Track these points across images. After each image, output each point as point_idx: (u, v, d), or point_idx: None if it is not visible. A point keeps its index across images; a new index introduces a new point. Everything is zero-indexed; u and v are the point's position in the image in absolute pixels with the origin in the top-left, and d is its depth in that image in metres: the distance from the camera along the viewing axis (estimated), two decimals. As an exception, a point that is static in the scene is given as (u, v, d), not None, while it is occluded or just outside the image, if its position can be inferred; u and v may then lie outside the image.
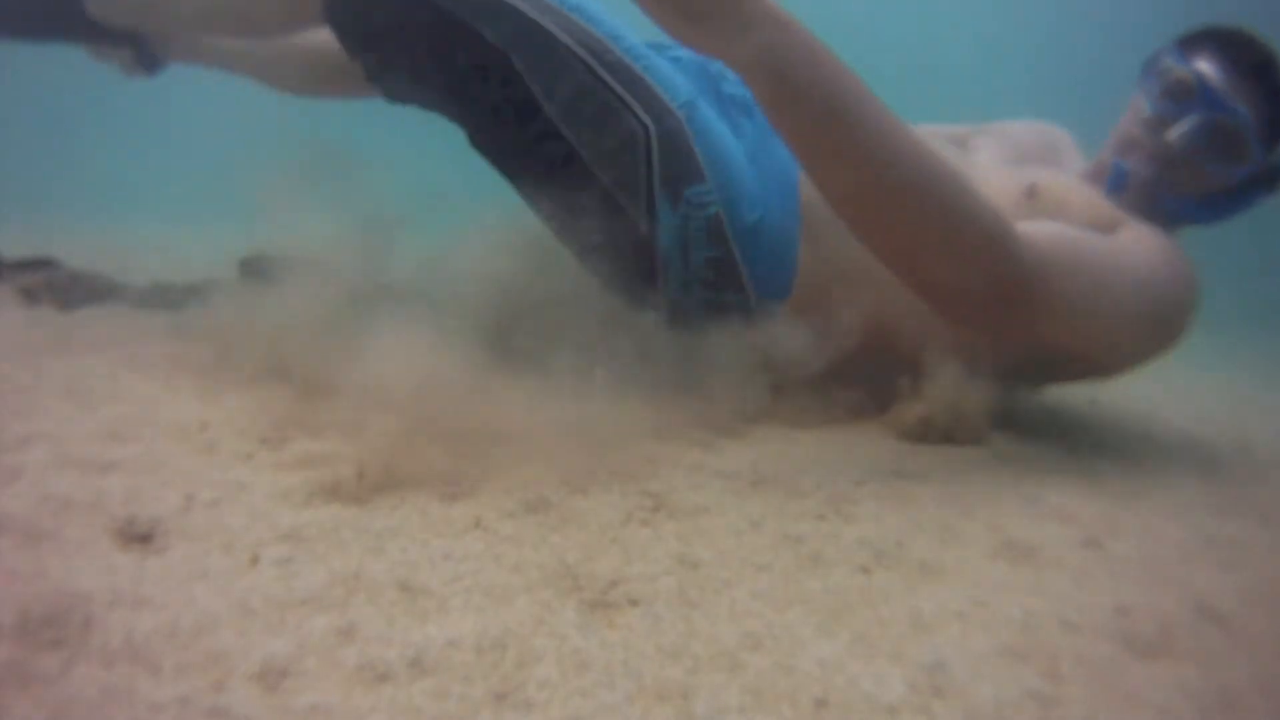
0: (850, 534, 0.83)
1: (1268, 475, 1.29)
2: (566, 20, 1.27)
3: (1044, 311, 1.12)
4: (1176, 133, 1.25)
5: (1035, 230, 1.13)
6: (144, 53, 1.83)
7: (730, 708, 0.54)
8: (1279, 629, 0.72)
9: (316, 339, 1.35)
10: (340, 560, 0.69)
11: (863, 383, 1.31)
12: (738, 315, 1.29)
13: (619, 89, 1.25)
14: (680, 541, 0.79)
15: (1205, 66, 1.26)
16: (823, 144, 1.00)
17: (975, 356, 1.23)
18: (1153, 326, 1.22)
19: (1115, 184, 1.32)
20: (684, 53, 1.37)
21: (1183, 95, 1.26)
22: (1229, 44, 1.27)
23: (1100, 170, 1.36)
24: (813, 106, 0.98)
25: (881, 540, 0.82)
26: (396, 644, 0.58)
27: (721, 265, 1.28)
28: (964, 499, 0.97)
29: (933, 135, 1.59)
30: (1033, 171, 1.37)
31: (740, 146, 1.33)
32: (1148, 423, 1.65)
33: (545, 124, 1.26)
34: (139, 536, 0.69)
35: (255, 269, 1.71)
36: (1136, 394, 1.94)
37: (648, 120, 1.25)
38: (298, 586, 0.64)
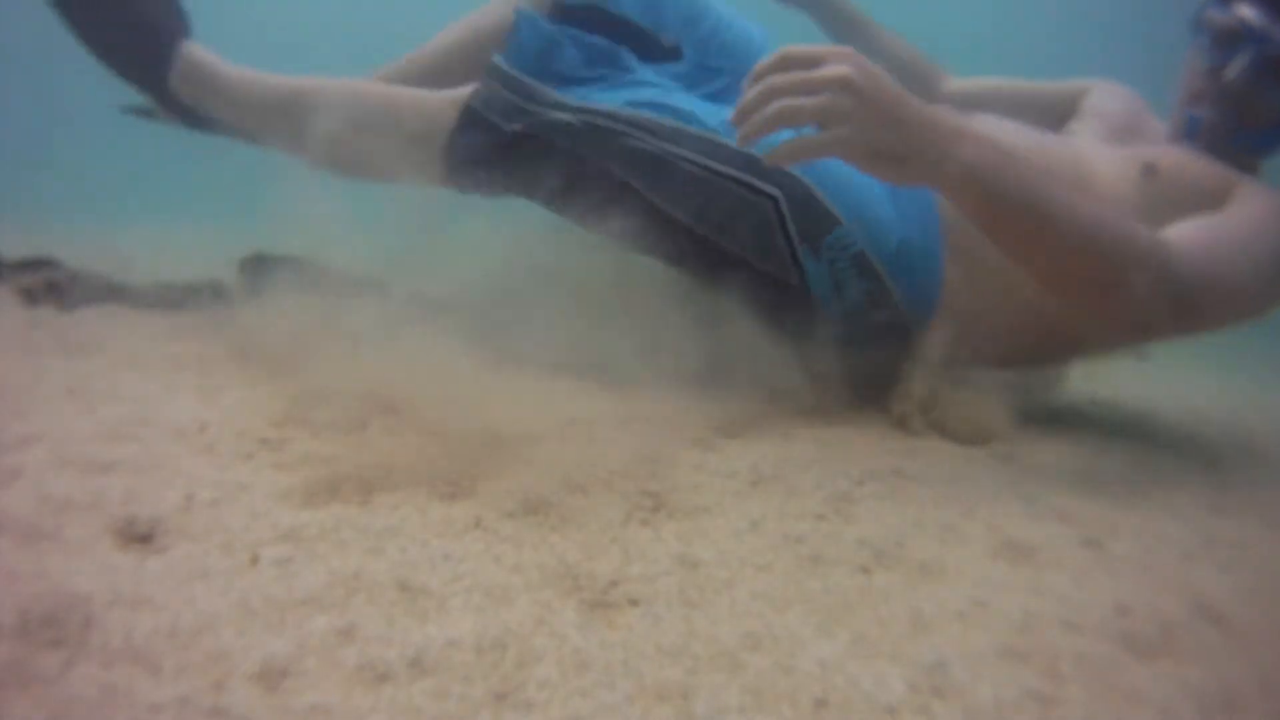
0: (850, 534, 0.83)
1: (1268, 475, 1.30)
2: (674, 132, 1.31)
3: (1206, 308, 1.23)
4: (1233, 72, 1.36)
5: (1182, 241, 1.21)
6: None
7: (730, 708, 0.54)
8: (1279, 629, 0.73)
9: (318, 339, 1.35)
10: (340, 560, 0.69)
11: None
12: (894, 331, 1.35)
13: (739, 174, 1.28)
14: (680, 541, 0.79)
15: (1245, 10, 1.36)
16: (1023, 232, 1.09)
17: (1108, 342, 1.41)
18: None
19: (1190, 130, 1.44)
20: None
21: (1231, 39, 1.37)
22: None
23: (1179, 129, 1.47)
24: (1012, 206, 1.06)
25: (881, 540, 0.82)
26: (396, 644, 0.58)
27: (875, 294, 1.33)
28: (964, 499, 0.97)
29: (1022, 97, 1.73)
30: (1140, 149, 1.46)
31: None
32: (1148, 423, 1.65)
33: (681, 228, 1.31)
34: (139, 536, 0.69)
35: (256, 269, 1.71)
36: (1136, 394, 1.94)
37: (773, 190, 1.28)
38: (298, 586, 0.64)
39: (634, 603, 0.67)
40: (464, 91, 1.43)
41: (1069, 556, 0.83)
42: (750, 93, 1.01)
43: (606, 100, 1.37)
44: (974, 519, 0.91)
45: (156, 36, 1.60)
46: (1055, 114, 1.69)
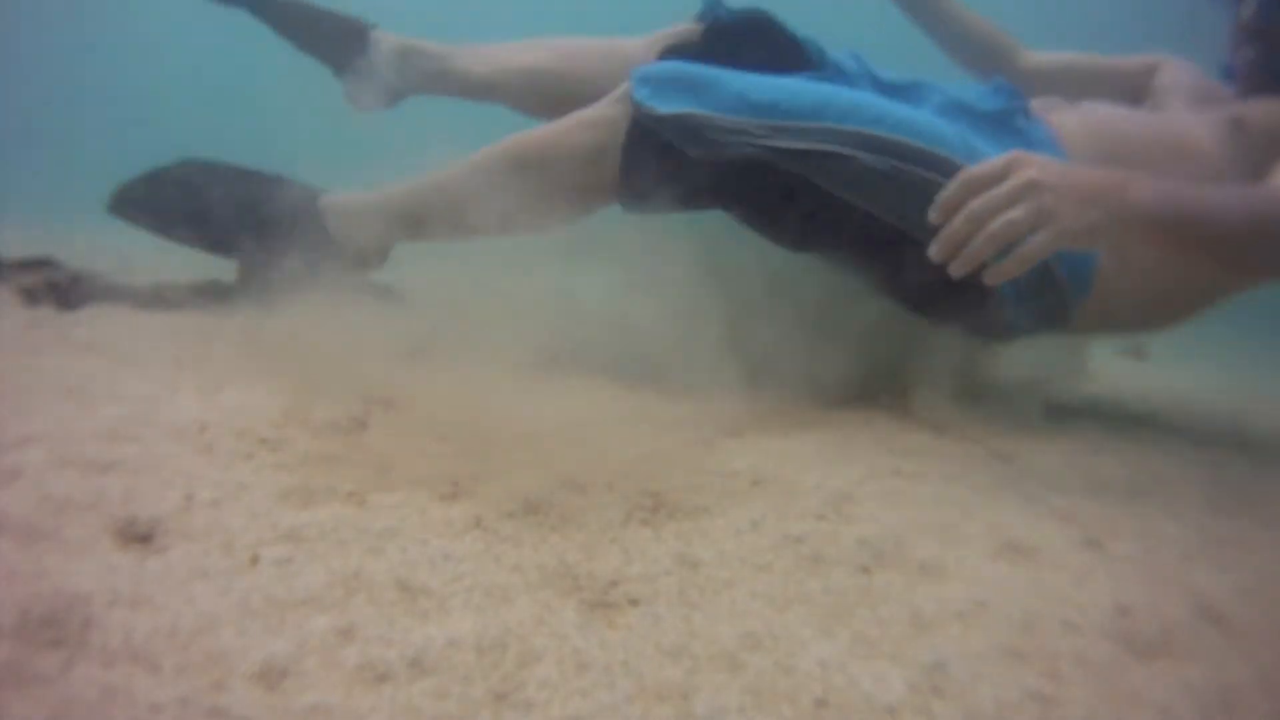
0: (850, 534, 0.83)
1: (1268, 475, 1.30)
2: (864, 138, 1.31)
3: None
4: (1246, 12, 1.52)
5: None
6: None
7: (730, 708, 0.55)
8: (1279, 629, 0.73)
9: (318, 338, 1.35)
10: (340, 560, 0.69)
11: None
12: (1056, 313, 1.42)
13: (925, 174, 1.30)
14: (680, 541, 0.79)
15: None
16: (1198, 240, 1.17)
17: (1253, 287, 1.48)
18: None
19: (1226, 75, 1.61)
20: (940, 96, 1.50)
21: None
22: None
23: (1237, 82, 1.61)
24: (1186, 222, 1.15)
25: (881, 540, 0.82)
26: (396, 644, 0.58)
27: (1042, 273, 1.38)
28: (964, 499, 0.97)
29: (1094, 72, 1.83)
30: (1221, 110, 1.56)
31: None
32: (1148, 423, 1.65)
33: (875, 224, 1.33)
34: (139, 536, 0.69)
35: (256, 269, 1.71)
36: (1136, 394, 1.94)
37: None
38: (298, 586, 0.64)
39: (634, 603, 0.67)
40: (617, 112, 1.38)
41: (1069, 556, 0.83)
42: (956, 222, 1.05)
43: (786, 92, 1.33)
44: (974, 519, 0.91)
45: (302, 222, 1.56)
46: (1125, 88, 1.76)
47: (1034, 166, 1.06)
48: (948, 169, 1.23)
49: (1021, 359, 1.57)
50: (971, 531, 0.88)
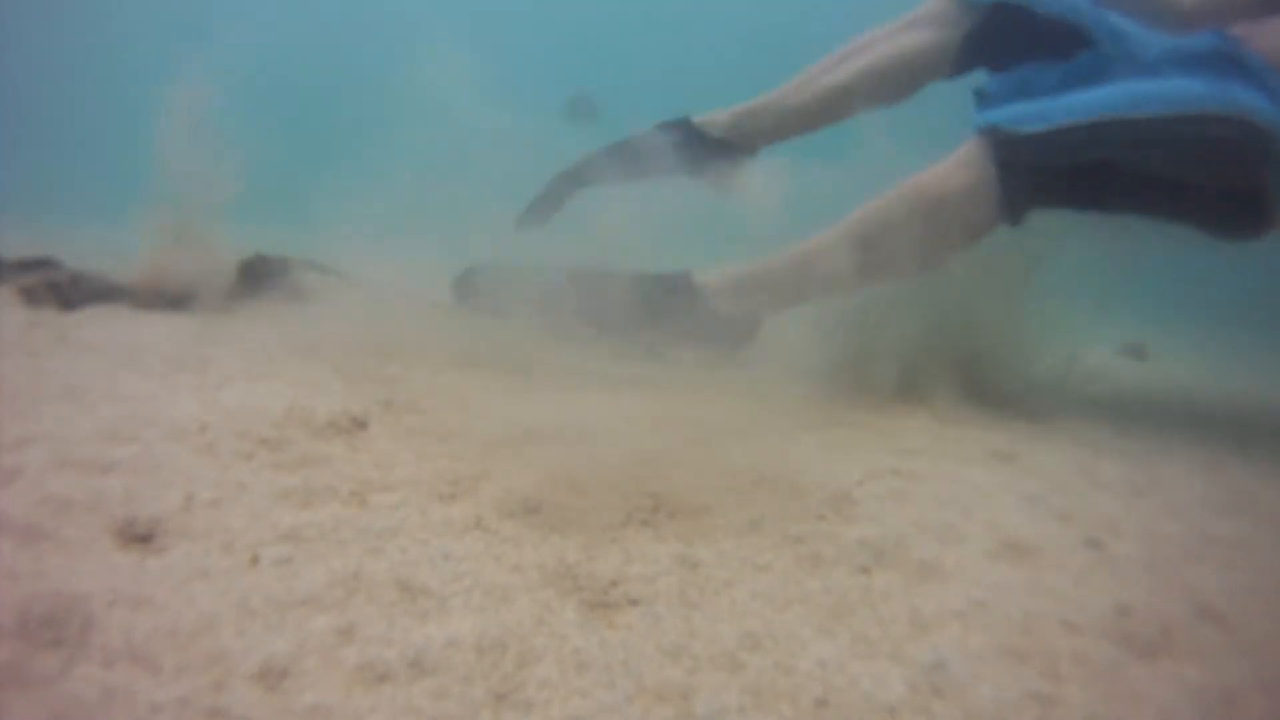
0: (850, 534, 0.83)
1: (1268, 475, 1.30)
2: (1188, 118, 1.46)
3: None
4: None
5: None
6: None
7: (730, 708, 0.55)
8: (1279, 629, 0.73)
9: (317, 338, 1.35)
10: (340, 560, 0.69)
11: None
12: None
13: (1218, 132, 1.47)
14: (680, 541, 0.79)
15: None
16: None
17: None
18: None
19: None
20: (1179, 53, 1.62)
21: None
22: None
23: None
24: None
25: (881, 540, 0.82)
26: (396, 644, 0.58)
27: None
28: (964, 499, 0.97)
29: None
30: None
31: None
32: (1148, 423, 1.65)
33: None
34: (139, 536, 0.69)
35: (256, 270, 1.72)
36: (1137, 394, 1.94)
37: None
38: (298, 586, 0.64)
39: (634, 602, 0.67)
40: (973, 155, 1.51)
41: (1069, 556, 0.83)
42: None
43: (1103, 101, 1.49)
44: (974, 519, 0.91)
45: (674, 289, 1.60)
46: None
47: None
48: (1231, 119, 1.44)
49: (1022, 360, 1.57)
50: (971, 531, 0.88)
